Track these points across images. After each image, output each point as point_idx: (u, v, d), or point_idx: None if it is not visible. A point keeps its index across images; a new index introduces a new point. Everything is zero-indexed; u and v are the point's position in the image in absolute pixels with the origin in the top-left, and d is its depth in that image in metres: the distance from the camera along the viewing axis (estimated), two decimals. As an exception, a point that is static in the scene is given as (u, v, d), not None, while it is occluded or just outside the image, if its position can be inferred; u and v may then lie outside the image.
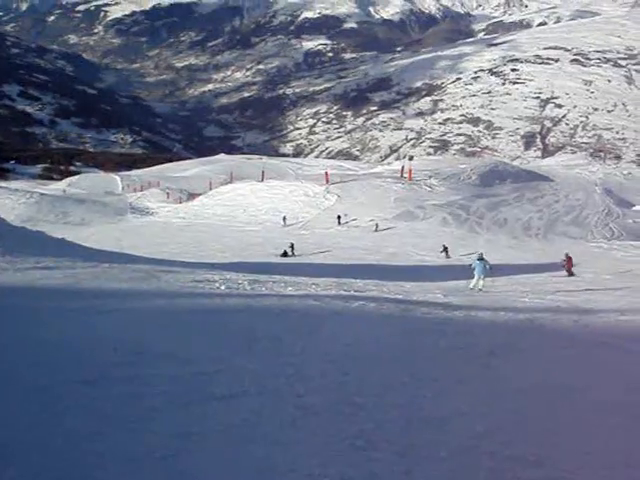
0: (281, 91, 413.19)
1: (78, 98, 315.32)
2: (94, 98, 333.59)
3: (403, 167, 68.12)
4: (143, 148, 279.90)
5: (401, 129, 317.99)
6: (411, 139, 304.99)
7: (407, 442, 5.86)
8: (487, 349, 10.06)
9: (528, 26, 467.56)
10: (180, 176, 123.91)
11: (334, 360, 8.59)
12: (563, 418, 6.83)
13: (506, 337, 11.56)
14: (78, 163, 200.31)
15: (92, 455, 5.20)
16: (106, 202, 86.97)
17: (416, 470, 5.30)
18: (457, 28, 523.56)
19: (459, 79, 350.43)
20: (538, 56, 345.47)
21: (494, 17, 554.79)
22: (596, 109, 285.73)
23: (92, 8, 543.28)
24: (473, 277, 22.04)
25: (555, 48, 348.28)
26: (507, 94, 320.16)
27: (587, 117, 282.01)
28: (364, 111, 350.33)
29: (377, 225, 47.45)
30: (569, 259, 28.87)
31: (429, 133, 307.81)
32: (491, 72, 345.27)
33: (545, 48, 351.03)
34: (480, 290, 21.19)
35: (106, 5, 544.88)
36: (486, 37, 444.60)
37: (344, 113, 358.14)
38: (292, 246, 39.00)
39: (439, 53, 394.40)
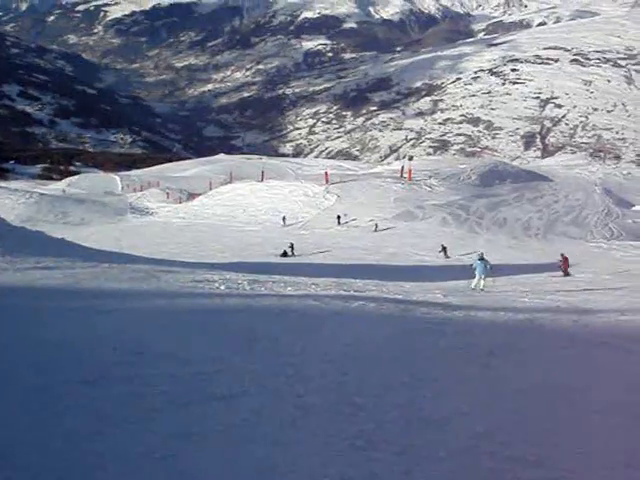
0: (281, 91, 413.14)
1: (78, 98, 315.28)
2: (94, 98, 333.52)
3: (403, 167, 68.14)
4: (143, 148, 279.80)
5: (401, 129, 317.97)
6: (411, 139, 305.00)
7: (407, 442, 5.86)
8: (487, 349, 10.06)
9: (528, 26, 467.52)
10: (180, 176, 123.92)
11: (334, 360, 8.59)
12: (563, 418, 6.83)
13: (506, 337, 11.55)
14: (78, 163, 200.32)
15: (92, 455, 5.20)
16: (106, 202, 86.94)
17: (416, 470, 5.30)
18: (457, 28, 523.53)
19: (459, 79, 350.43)
20: (538, 56, 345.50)
21: (494, 17, 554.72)
22: (596, 109, 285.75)
23: (92, 8, 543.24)
24: (474, 277, 22.09)
25: (555, 48, 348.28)
26: (507, 94, 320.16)
27: (587, 117, 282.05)
28: (364, 111, 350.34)
29: (376, 225, 47.46)
30: (565, 259, 28.85)
31: (429, 133, 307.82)
32: (491, 72, 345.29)
33: (545, 48, 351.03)
34: (482, 290, 21.23)
35: (106, 5, 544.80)
36: (486, 37, 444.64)
37: (344, 113, 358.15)
38: (292, 246, 39.00)
39: (439, 53, 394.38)
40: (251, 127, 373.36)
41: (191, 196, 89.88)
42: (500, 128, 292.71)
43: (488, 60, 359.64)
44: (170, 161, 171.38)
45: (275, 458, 5.39)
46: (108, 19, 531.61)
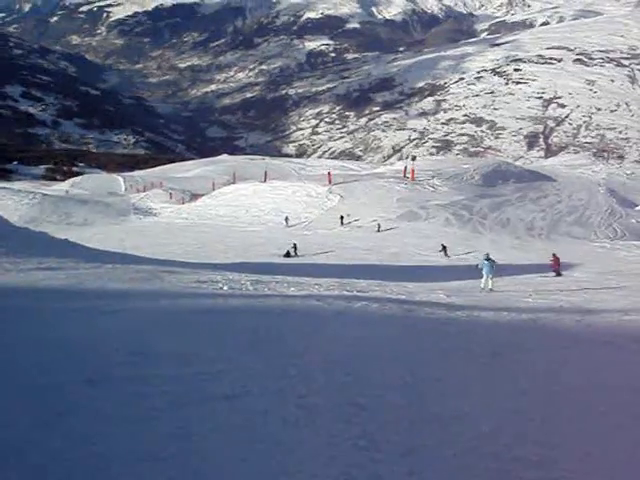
0: (284, 91, 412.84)
1: (81, 99, 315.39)
2: (97, 99, 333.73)
3: (406, 167, 68.03)
4: (146, 149, 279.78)
5: (404, 129, 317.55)
6: (414, 139, 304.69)
7: (410, 443, 5.86)
8: (490, 349, 10.06)
9: (531, 26, 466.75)
10: (183, 177, 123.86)
11: (337, 360, 8.59)
12: (566, 418, 6.82)
13: (509, 337, 11.56)
14: (81, 164, 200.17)
15: (94, 455, 5.20)
16: (109, 203, 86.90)
17: (419, 471, 5.30)
18: (460, 28, 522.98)
19: (462, 79, 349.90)
20: (541, 56, 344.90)
21: (497, 17, 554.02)
22: (599, 109, 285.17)
23: (95, 9, 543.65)
24: (480, 277, 22.21)
25: (558, 48, 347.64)
26: (510, 94, 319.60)
27: (590, 117, 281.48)
28: (367, 111, 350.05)
29: (379, 225, 47.43)
30: (556, 259, 28.83)
31: (432, 133, 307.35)
32: (494, 72, 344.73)
33: (548, 48, 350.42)
34: (491, 290, 21.31)
35: (109, 6, 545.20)
36: (489, 37, 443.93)
37: (347, 113, 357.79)
38: (295, 246, 38.99)
39: (442, 53, 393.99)
40: (254, 127, 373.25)
41: (194, 197, 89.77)
42: (503, 128, 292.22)
43: (491, 60, 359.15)
44: (173, 162, 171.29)
45: (278, 458, 5.40)
46: (111, 20, 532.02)
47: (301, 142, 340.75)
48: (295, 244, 39.31)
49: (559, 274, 28.27)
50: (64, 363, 7.63)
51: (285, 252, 38.50)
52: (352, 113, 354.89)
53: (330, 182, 64.59)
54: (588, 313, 15.02)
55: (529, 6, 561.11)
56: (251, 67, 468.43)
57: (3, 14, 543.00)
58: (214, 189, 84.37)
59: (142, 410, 6.21)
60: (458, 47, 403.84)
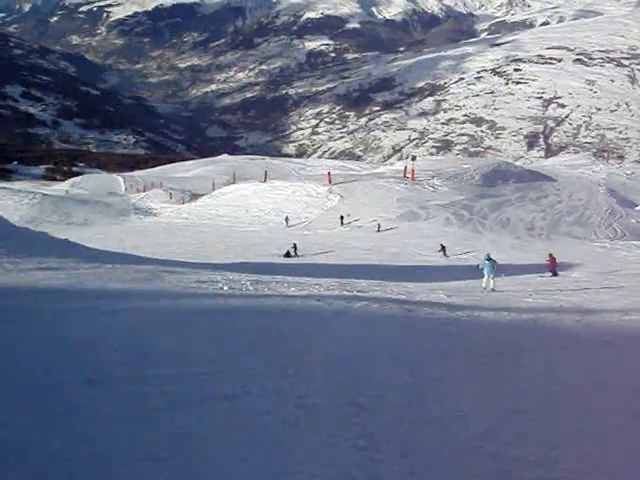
0: (284, 91, 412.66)
1: (81, 99, 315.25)
2: (97, 99, 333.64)
3: (406, 167, 68.02)
4: (146, 149, 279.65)
5: (404, 129, 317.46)
6: (414, 139, 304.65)
7: (410, 443, 5.86)
8: (491, 349, 10.06)
9: (531, 26, 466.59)
10: (183, 177, 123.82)
11: (337, 360, 8.60)
12: (566, 418, 6.82)
13: (510, 337, 11.56)
14: (81, 164, 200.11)
15: (94, 455, 5.21)
16: (109, 203, 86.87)
17: (419, 471, 5.30)
18: (460, 28, 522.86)
19: (462, 79, 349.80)
20: (541, 56, 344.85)
21: (497, 17, 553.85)
22: (599, 109, 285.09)
23: (95, 9, 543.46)
24: (480, 277, 22.26)
25: (558, 48, 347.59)
26: (510, 94, 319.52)
27: (590, 117, 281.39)
28: (367, 111, 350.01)
29: (379, 225, 47.44)
30: (552, 259, 28.87)
31: (432, 133, 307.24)
32: (494, 72, 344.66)
33: (548, 48, 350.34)
34: (493, 290, 21.35)
35: (109, 6, 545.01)
36: (489, 37, 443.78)
37: (347, 113, 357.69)
38: (295, 246, 38.99)
39: (442, 53, 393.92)
40: (254, 127, 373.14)
41: (194, 197, 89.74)
42: (503, 128, 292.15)
43: (491, 60, 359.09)
44: (173, 162, 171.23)
45: (278, 458, 5.40)
46: (111, 20, 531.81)
47: (301, 142, 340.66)
48: (295, 244, 39.32)
49: (555, 274, 28.31)
50: (64, 363, 7.63)
51: (285, 252, 38.52)
52: (352, 113, 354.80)
53: (330, 182, 64.58)
54: (588, 313, 15.02)
55: (529, 6, 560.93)
56: (251, 67, 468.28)
57: (3, 14, 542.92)
58: (214, 189, 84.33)
59: (142, 410, 6.21)
60: (458, 47, 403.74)
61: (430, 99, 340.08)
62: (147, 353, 8.24)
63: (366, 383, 7.58)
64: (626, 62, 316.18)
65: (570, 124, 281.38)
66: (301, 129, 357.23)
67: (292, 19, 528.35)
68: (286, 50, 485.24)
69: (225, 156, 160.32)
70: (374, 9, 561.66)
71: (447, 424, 6.40)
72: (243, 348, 8.92)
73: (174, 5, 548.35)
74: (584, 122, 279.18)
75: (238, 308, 12.30)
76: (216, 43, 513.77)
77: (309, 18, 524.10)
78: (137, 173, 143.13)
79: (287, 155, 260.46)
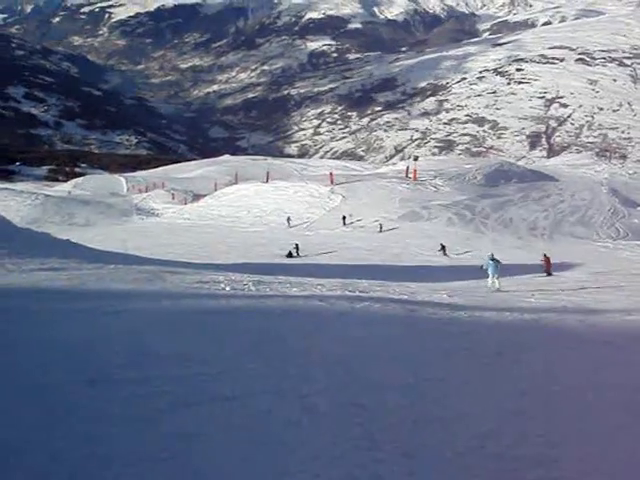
0: (286, 92, 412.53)
1: (83, 100, 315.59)
2: (99, 99, 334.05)
3: (408, 167, 68.05)
4: (148, 149, 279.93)
5: (406, 129, 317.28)
6: (416, 139, 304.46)
7: (412, 443, 5.86)
8: (493, 349, 10.06)
9: (533, 26, 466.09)
10: (185, 177, 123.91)
11: (339, 361, 8.59)
12: (569, 418, 6.81)
13: (512, 337, 11.55)
14: (83, 164, 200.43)
15: (96, 456, 5.21)
16: (111, 203, 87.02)
17: (421, 471, 5.29)
18: (462, 28, 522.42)
19: (464, 79, 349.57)
20: (543, 56, 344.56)
21: (499, 17, 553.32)
22: (601, 108, 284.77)
23: (97, 10, 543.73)
24: (483, 277, 22.33)
25: (560, 47, 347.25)
26: (512, 94, 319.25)
27: (592, 117, 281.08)
28: (369, 111, 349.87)
29: (381, 226, 47.42)
30: (547, 259, 28.98)
31: (434, 133, 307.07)
32: (496, 72, 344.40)
33: (550, 48, 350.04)
34: (498, 289, 21.38)
35: (110, 7, 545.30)
36: (491, 37, 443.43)
37: (349, 114, 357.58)
38: (297, 247, 39.01)
39: (444, 53, 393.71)
40: (256, 128, 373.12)
41: (196, 197, 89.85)
42: (505, 128, 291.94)
43: (493, 60, 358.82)
44: (175, 162, 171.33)
45: (280, 459, 5.40)
46: (113, 20, 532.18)
47: (303, 142, 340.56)
48: (297, 244, 39.33)
49: (550, 274, 28.41)
50: (66, 364, 7.63)
51: (287, 252, 38.55)
52: (354, 113, 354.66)
53: (332, 182, 64.59)
54: (590, 313, 15.01)
55: (531, 6, 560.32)
56: (253, 67, 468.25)
57: (5, 15, 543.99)
58: (216, 189, 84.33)
59: (144, 410, 6.21)
60: (460, 47, 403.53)
61: (432, 99, 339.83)
62: (148, 353, 8.24)
63: (368, 383, 7.58)
64: (628, 62, 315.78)
65: (572, 124, 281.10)
66: (303, 129, 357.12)
67: (294, 19, 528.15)
68: (288, 50, 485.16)
69: (227, 157, 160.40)
70: (376, 9, 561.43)
71: (449, 424, 6.39)
72: (245, 348, 8.92)
73: (176, 6, 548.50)
74: (586, 122, 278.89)
75: (240, 308, 12.30)
76: (218, 44, 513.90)
77: (311, 18, 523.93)
78: (139, 174, 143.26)
79: (289, 155, 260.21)
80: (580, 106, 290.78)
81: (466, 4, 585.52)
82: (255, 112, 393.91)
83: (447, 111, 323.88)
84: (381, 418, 6.41)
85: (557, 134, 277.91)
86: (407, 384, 7.68)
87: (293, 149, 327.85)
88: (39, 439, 5.44)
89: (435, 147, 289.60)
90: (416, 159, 69.09)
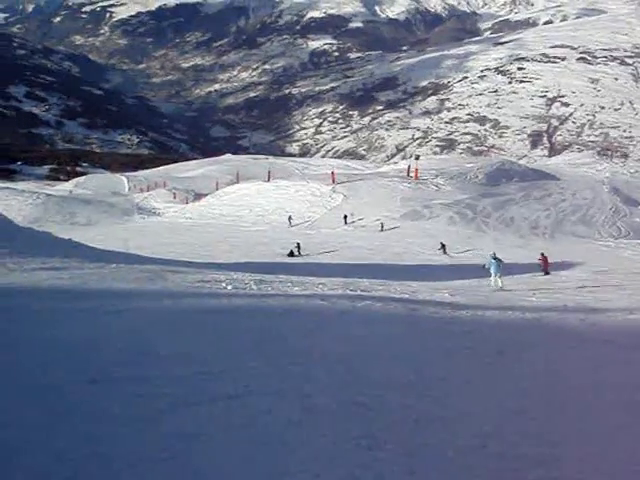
0: (287, 91, 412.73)
1: (84, 99, 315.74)
2: (100, 99, 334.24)
3: (409, 166, 68.03)
4: (149, 149, 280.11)
5: (407, 128, 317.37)
6: (417, 138, 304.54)
7: (414, 442, 5.85)
8: (495, 348, 10.05)
9: (534, 24, 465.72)
10: (186, 176, 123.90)
11: (340, 360, 8.59)
12: (571, 418, 6.81)
13: (513, 336, 11.54)
14: (85, 164, 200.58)
15: (97, 455, 5.20)
16: (113, 203, 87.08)
17: (422, 471, 5.29)
18: (463, 27, 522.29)
19: (465, 78, 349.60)
20: (544, 54, 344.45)
21: (500, 16, 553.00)
22: (603, 107, 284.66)
23: (98, 9, 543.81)
24: (485, 276, 22.43)
25: (561, 46, 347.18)
26: (513, 93, 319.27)
27: (594, 115, 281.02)
28: (370, 110, 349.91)
29: (383, 225, 47.41)
30: (544, 258, 29.05)
31: (435, 132, 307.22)
32: (497, 71, 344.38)
33: (551, 46, 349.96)
34: (501, 288, 21.43)
35: (112, 6, 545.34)
36: (492, 36, 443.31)
37: (350, 112, 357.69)
38: (298, 246, 39.02)
39: (445, 52, 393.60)
40: (257, 127, 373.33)
41: (198, 196, 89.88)
42: (507, 127, 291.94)
43: (494, 59, 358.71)
44: (177, 161, 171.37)
45: (281, 458, 5.39)
46: (114, 20, 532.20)
47: (304, 141, 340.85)
48: (299, 243, 39.35)
49: (547, 273, 28.47)
50: (67, 363, 7.64)
51: (289, 252, 38.56)
52: (355, 112, 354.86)
53: (334, 181, 64.61)
54: (592, 312, 15.00)
55: (532, 5, 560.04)
56: (254, 67, 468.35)
57: (6, 14, 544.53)
58: (218, 189, 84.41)
59: (145, 410, 6.21)
60: (461, 46, 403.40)
61: (433, 98, 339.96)
62: (149, 353, 8.24)
63: (370, 382, 7.58)
64: (630, 60, 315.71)
65: (574, 123, 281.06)
66: (304, 128, 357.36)
67: (295, 18, 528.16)
68: (289, 49, 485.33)
69: (228, 156, 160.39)
70: (377, 8, 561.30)
71: (450, 423, 6.39)
72: (246, 348, 8.92)
73: (177, 5, 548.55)
74: (588, 121, 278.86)
75: (241, 307, 12.30)
76: (219, 43, 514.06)
77: (312, 17, 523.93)
78: (141, 173, 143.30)
79: (290, 154, 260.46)
80: (581, 105, 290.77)
81: (467, 3, 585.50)
82: (256, 111, 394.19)
83: (448, 110, 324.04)
84: (382, 417, 6.41)
85: (558, 133, 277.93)
86: (408, 383, 7.68)
87: (294, 148, 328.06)
88: (40, 439, 5.44)
89: (436, 146, 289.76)
90: (417, 158, 69.14)
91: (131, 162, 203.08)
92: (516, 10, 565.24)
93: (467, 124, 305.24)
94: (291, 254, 38.22)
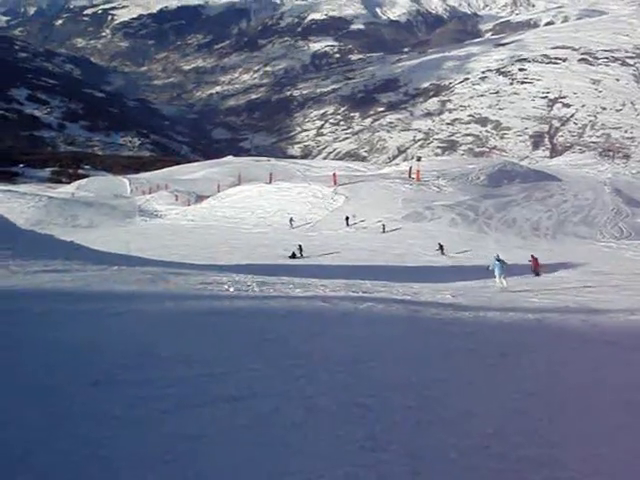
0: (288, 93, 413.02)
1: (86, 101, 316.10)
2: (102, 101, 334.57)
3: (411, 168, 68.04)
4: (151, 151, 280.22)
5: (409, 130, 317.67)
6: (419, 140, 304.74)
7: (416, 444, 5.85)
8: (497, 349, 10.04)
9: (535, 26, 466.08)
10: (188, 178, 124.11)
11: (343, 361, 8.58)
12: (572, 418, 6.81)
13: (516, 337, 11.54)
14: (86, 166, 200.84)
15: (99, 457, 5.21)
16: (115, 205, 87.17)
17: (425, 472, 5.29)
18: (464, 28, 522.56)
19: (467, 79, 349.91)
20: (546, 55, 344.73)
21: (501, 17, 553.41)
22: (604, 108, 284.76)
23: (99, 12, 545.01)
24: (488, 278, 22.57)
25: (563, 47, 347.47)
26: (515, 94, 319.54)
27: (595, 116, 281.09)
28: (372, 112, 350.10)
29: (384, 226, 47.41)
30: (535, 260, 29.22)
31: (437, 134, 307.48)
32: (499, 72, 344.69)
33: (553, 47, 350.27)
34: (504, 289, 21.52)
35: (113, 9, 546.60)
36: (493, 37, 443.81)
37: (352, 114, 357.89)
38: (300, 248, 39.03)
39: (446, 54, 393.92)
40: (259, 129, 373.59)
41: (199, 198, 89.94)
42: (508, 128, 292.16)
43: (496, 60, 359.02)
44: (179, 164, 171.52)
45: (284, 460, 5.40)
46: (116, 22, 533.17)
47: (306, 143, 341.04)
48: (300, 245, 39.37)
49: (538, 274, 28.60)
50: (70, 365, 7.64)
51: (291, 253, 38.57)
52: (357, 114, 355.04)
53: (335, 183, 64.63)
54: (594, 313, 14.99)
55: (533, 6, 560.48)
56: (256, 69, 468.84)
57: (8, 17, 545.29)
58: (219, 191, 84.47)
59: (148, 412, 6.21)
60: (463, 47, 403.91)
61: (435, 99, 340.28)
62: (152, 355, 8.24)
63: (372, 384, 7.58)
64: (631, 61, 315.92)
65: (575, 124, 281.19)
66: (306, 130, 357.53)
67: (296, 20, 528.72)
68: (290, 51, 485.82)
69: (230, 158, 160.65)
70: (378, 10, 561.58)
71: (453, 425, 6.39)
72: (248, 349, 8.91)
73: (178, 7, 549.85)
74: (589, 121, 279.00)
75: (243, 309, 12.29)
76: (220, 45, 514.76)
77: (313, 19, 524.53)
78: (142, 175, 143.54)
79: (292, 156, 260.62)
80: (583, 106, 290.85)
81: (468, 4, 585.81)
82: (258, 113, 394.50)
83: (450, 111, 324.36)
84: (385, 419, 6.41)
85: (560, 134, 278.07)
86: (411, 384, 7.68)
87: (296, 150, 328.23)
88: (43, 440, 5.45)
89: (438, 147, 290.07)
90: (419, 159, 69.15)
91: (133, 164, 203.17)
92: (517, 11, 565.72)
93: (468, 125, 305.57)
94: (293, 256, 38.23)
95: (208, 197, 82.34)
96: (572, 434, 6.32)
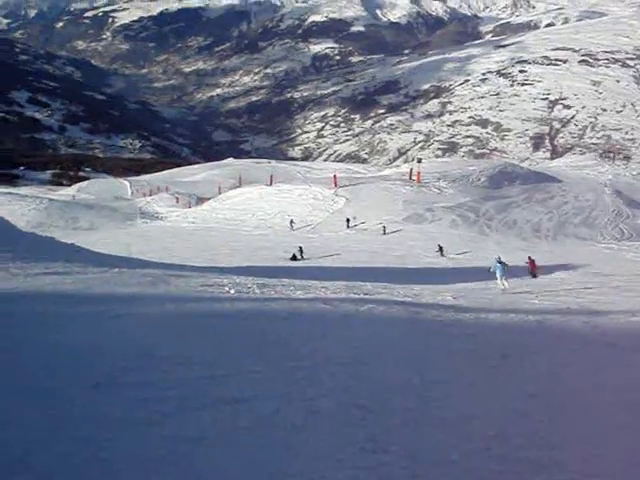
0: (289, 95, 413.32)
1: (87, 104, 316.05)
2: (103, 104, 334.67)
3: (412, 169, 68.00)
4: (152, 153, 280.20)
5: (409, 132, 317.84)
6: (419, 141, 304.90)
7: (417, 445, 5.85)
8: (498, 351, 10.04)
9: (536, 27, 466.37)
10: (189, 181, 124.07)
11: (343, 363, 8.58)
12: (573, 420, 6.80)
13: (517, 339, 11.53)
14: (87, 168, 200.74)
15: (100, 459, 5.21)
16: (115, 207, 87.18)
17: (426, 474, 5.29)
18: (464, 30, 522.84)
19: (467, 81, 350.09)
20: (546, 57, 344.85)
21: (501, 19, 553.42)
22: (605, 110, 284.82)
23: (100, 14, 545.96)
24: (489, 279, 22.62)
25: (563, 49, 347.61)
26: (515, 95, 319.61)
27: (596, 118, 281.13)
28: (372, 114, 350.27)
29: (385, 228, 47.40)
30: (532, 261, 29.21)
31: (437, 135, 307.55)
32: (499, 74, 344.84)
33: (553, 49, 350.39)
34: (505, 290, 21.58)
35: (114, 11, 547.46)
36: (494, 39, 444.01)
37: (352, 116, 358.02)
38: (301, 249, 39.01)
39: (447, 55, 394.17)
40: (259, 131, 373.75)
41: (200, 200, 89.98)
42: (509, 129, 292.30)
43: (496, 62, 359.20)
44: (179, 166, 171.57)
45: (285, 462, 5.40)
46: (116, 25, 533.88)
47: (306, 145, 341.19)
48: (301, 247, 39.34)
49: (535, 276, 28.60)
50: (71, 367, 7.64)
51: (291, 255, 38.54)
52: (357, 116, 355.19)
53: (336, 185, 64.60)
54: (595, 314, 14.97)
55: (534, 7, 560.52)
56: (256, 71, 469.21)
57: (9, 20, 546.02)
58: (220, 193, 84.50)
59: (149, 414, 6.21)
60: (463, 49, 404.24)
61: (435, 101, 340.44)
62: (152, 357, 8.24)
63: (373, 385, 7.58)
64: (631, 63, 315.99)
65: (576, 125, 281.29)
66: (306, 132, 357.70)
67: (297, 23, 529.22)
68: (291, 53, 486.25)
69: (231, 160, 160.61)
70: (379, 12, 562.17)
71: (454, 426, 6.39)
72: (249, 351, 8.91)
73: (179, 10, 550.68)
74: (590, 123, 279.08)
75: (244, 311, 12.28)
76: (221, 47, 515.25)
77: (314, 21, 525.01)
78: (143, 177, 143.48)
79: (293, 158, 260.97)
80: (583, 107, 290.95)
81: (469, 6, 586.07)
82: (258, 115, 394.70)
83: (450, 113, 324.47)
84: (386, 420, 6.41)
85: (560, 135, 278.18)
86: (411, 386, 7.68)
87: (297, 152, 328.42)
88: (43, 442, 5.45)
89: (438, 149, 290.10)
90: (420, 161, 69.11)
91: (133, 167, 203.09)
92: (517, 13, 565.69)
93: (469, 127, 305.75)
94: (293, 258, 38.21)
95: (209, 199, 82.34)
96: (573, 435, 6.32)
